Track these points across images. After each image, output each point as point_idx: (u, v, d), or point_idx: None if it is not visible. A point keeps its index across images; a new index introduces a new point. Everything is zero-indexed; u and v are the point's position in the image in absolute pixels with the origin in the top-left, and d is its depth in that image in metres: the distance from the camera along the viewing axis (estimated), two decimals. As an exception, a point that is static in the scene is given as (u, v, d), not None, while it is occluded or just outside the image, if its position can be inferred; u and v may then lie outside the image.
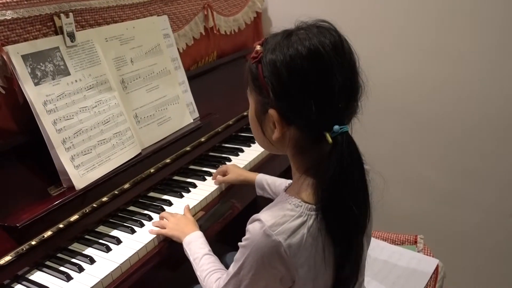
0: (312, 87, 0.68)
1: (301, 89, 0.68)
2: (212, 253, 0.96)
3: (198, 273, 0.92)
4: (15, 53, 1.00)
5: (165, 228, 1.06)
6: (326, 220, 0.70)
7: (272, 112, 0.72)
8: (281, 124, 0.72)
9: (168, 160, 1.31)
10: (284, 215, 0.71)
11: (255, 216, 0.74)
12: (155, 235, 1.06)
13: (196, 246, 0.97)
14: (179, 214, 1.11)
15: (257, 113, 0.77)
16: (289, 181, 1.11)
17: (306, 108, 0.68)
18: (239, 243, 0.75)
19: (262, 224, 0.70)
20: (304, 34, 0.70)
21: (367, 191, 0.74)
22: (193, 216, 1.16)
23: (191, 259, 0.96)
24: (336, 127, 0.68)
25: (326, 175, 0.69)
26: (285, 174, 1.47)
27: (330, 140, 0.69)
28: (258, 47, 0.74)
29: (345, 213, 0.71)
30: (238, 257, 0.75)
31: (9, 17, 1.00)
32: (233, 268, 0.77)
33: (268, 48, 0.72)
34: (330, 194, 0.70)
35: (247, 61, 0.77)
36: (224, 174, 1.28)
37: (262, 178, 1.20)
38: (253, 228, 0.72)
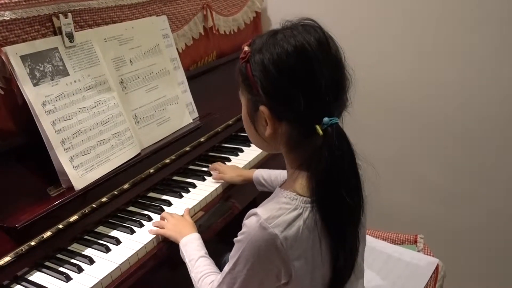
0: (300, 81, 0.70)
1: (289, 84, 0.71)
2: (208, 256, 0.96)
3: (192, 275, 0.92)
4: (13, 53, 0.99)
5: (163, 228, 1.07)
6: (321, 212, 0.72)
7: (263, 108, 0.74)
8: (272, 120, 0.74)
9: (167, 160, 1.31)
10: (280, 208, 0.72)
11: (251, 211, 0.75)
12: (155, 236, 1.06)
13: (192, 248, 0.97)
14: (179, 216, 1.11)
15: (249, 112, 0.79)
16: (285, 171, 1.12)
17: (295, 102, 0.70)
18: (235, 239, 0.76)
19: (258, 217, 0.71)
20: (289, 32, 0.73)
21: (359, 181, 0.75)
22: (192, 216, 1.16)
23: (187, 260, 0.95)
24: (325, 119, 0.70)
25: (319, 167, 0.71)
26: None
27: (320, 132, 0.70)
28: (246, 48, 0.76)
29: (338, 203, 0.72)
30: (233, 254, 0.76)
31: (8, 18, 1.00)
32: (228, 266, 0.77)
33: (255, 48, 0.74)
34: (323, 184, 0.71)
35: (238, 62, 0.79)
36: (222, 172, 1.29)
37: (258, 174, 1.22)
38: (249, 222, 0.73)
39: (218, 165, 1.32)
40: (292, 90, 0.70)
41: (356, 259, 0.79)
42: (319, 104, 0.71)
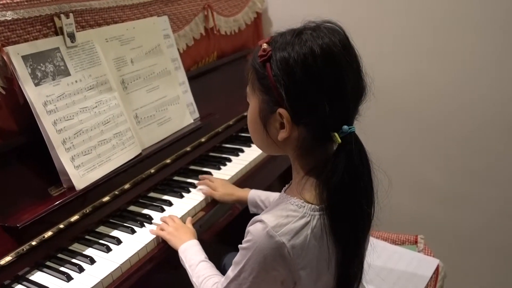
0: (327, 86, 0.68)
1: (316, 88, 0.68)
2: (208, 260, 0.95)
3: (194, 279, 0.91)
4: (15, 53, 1.00)
5: (164, 230, 1.06)
6: (333, 220, 0.70)
7: (282, 111, 0.70)
8: (290, 124, 0.71)
9: (168, 161, 1.31)
10: (287, 215, 0.70)
11: (257, 217, 0.73)
12: (155, 236, 1.06)
13: (192, 253, 0.96)
14: (180, 221, 1.10)
15: (261, 113, 0.75)
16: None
17: (319, 107, 0.67)
18: (240, 246, 0.74)
19: (265, 225, 0.69)
20: (315, 33, 0.70)
21: (373, 189, 0.74)
22: (193, 216, 1.16)
23: (187, 266, 0.94)
24: (345, 127, 0.69)
25: (336, 175, 0.69)
26: (285, 174, 1.47)
27: (339, 140, 0.69)
28: (265, 45, 0.72)
29: (354, 211, 0.71)
30: (238, 260, 0.74)
31: (10, 18, 1.00)
32: (232, 271, 0.76)
33: (277, 47, 0.70)
34: (339, 192, 0.69)
35: (249, 60, 0.76)
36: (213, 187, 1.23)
37: (255, 195, 1.16)
38: (255, 229, 0.71)
39: (208, 180, 1.25)
40: (318, 95, 0.67)
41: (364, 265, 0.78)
42: (342, 111, 0.69)
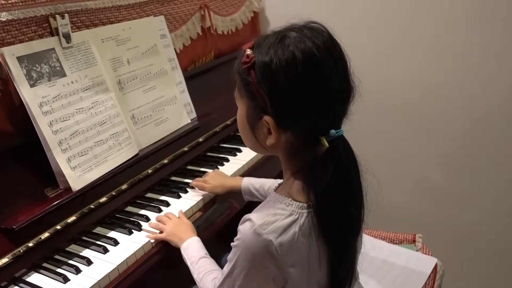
0: (310, 93, 0.67)
1: (299, 96, 0.67)
2: (208, 256, 0.96)
3: (195, 276, 0.93)
4: (10, 54, 0.99)
5: (162, 232, 1.06)
6: (320, 220, 0.70)
7: (268, 119, 0.71)
8: (277, 130, 0.71)
9: (165, 161, 1.31)
10: (275, 213, 0.71)
11: (246, 216, 0.74)
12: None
13: (193, 251, 0.97)
14: (177, 218, 1.10)
15: (249, 119, 0.75)
16: (278, 181, 1.11)
17: (304, 114, 0.68)
18: (231, 244, 0.76)
19: (252, 223, 0.71)
20: (297, 36, 0.69)
21: (362, 192, 0.74)
22: (191, 216, 1.16)
23: (189, 263, 0.96)
24: (332, 131, 0.69)
25: (323, 180, 0.69)
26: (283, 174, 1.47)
27: (326, 144, 0.69)
28: (248, 51, 0.71)
29: (341, 215, 0.71)
30: (231, 257, 0.76)
31: (4, 19, 0.99)
32: (227, 268, 0.77)
33: (260, 52, 0.70)
34: (326, 196, 0.70)
35: (235, 64, 0.75)
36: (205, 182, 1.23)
37: (248, 183, 1.16)
38: (243, 228, 0.72)
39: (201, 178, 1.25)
40: (302, 102, 0.67)
41: (355, 267, 0.78)
42: (328, 115, 0.69)
